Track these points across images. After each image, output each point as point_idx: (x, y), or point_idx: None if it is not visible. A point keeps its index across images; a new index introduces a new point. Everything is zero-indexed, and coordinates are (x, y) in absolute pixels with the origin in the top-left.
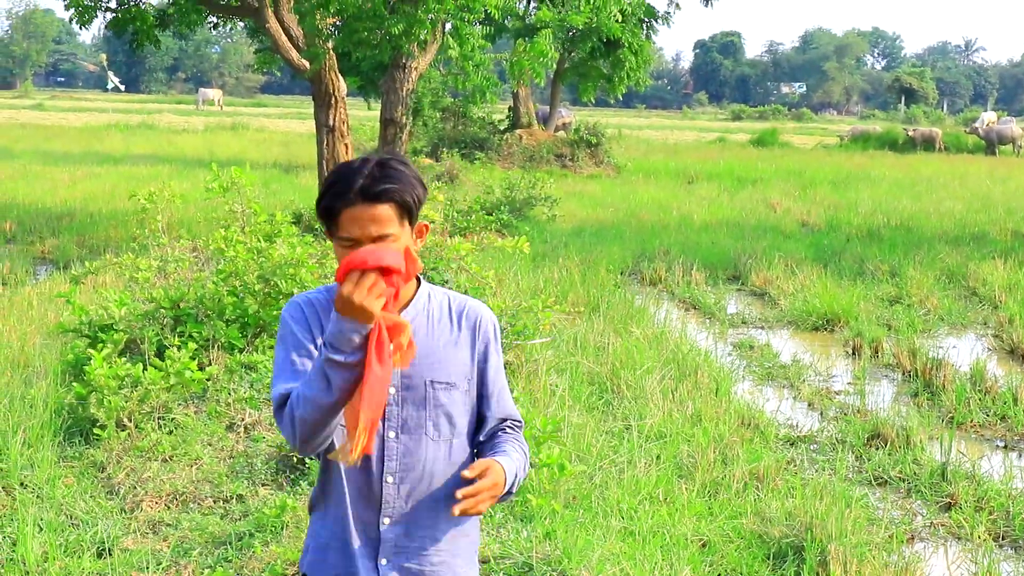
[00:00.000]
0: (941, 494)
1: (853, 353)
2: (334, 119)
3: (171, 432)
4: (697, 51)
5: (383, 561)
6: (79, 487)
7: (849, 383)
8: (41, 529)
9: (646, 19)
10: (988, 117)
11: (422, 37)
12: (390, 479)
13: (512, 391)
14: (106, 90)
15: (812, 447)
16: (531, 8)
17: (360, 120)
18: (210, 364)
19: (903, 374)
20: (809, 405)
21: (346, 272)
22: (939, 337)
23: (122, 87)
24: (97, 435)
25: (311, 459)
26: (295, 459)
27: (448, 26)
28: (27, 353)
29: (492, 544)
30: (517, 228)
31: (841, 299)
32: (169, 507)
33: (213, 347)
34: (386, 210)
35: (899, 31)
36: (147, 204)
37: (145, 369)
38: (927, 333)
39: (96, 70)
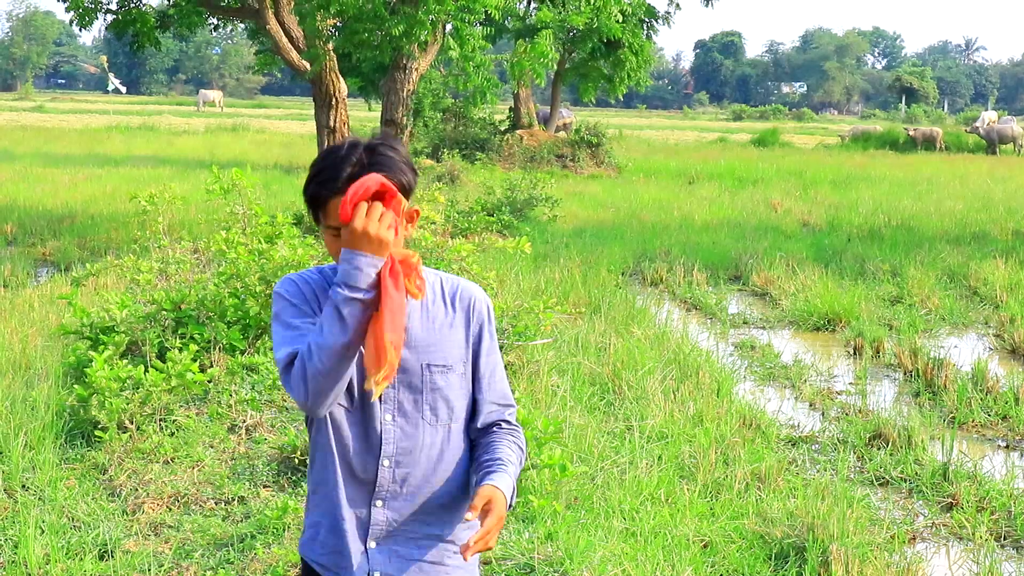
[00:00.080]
0: (943, 494)
1: (854, 353)
2: (335, 120)
3: (172, 434)
4: (698, 51)
5: (372, 544)
6: (81, 489)
7: (850, 383)
8: (43, 531)
9: (646, 19)
10: (989, 116)
11: (423, 38)
12: (386, 463)
13: (514, 392)
14: (107, 92)
15: (814, 447)
16: (531, 9)
17: (361, 121)
18: (211, 366)
19: (904, 374)
20: (810, 405)
21: (354, 207)
22: (940, 337)
23: (123, 89)
24: (98, 437)
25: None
26: (296, 461)
27: (448, 27)
28: (28, 355)
29: None
30: (518, 229)
31: (842, 299)
32: (171, 509)
33: (214, 349)
34: None
35: (900, 30)
36: (148, 206)
37: (146, 371)
38: (928, 333)
39: (97, 72)
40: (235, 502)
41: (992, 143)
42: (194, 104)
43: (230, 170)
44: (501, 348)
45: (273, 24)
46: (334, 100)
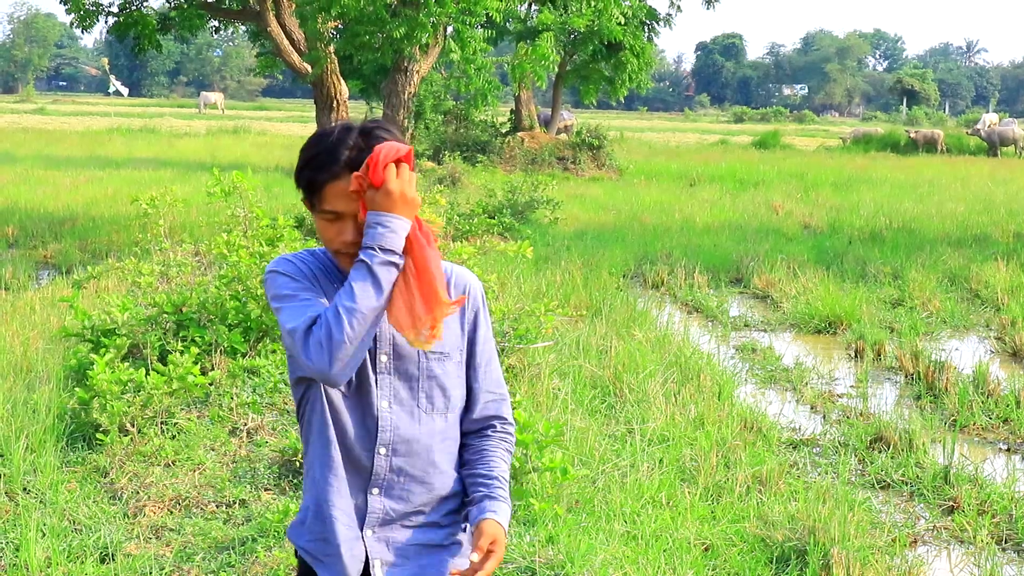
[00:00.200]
0: (944, 497)
1: (855, 356)
2: (336, 122)
3: (174, 437)
4: (699, 53)
5: (368, 532)
6: (82, 492)
7: (851, 386)
8: (44, 534)
9: (647, 21)
10: (990, 119)
11: (424, 40)
12: (382, 451)
13: (514, 395)
14: (108, 94)
15: (815, 450)
16: (533, 11)
17: None
18: (213, 369)
19: (905, 377)
20: (812, 408)
21: (385, 169)
22: (941, 340)
23: (124, 91)
24: (100, 440)
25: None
26: (297, 464)
27: (450, 29)
28: (30, 358)
29: None
30: (519, 231)
31: (843, 302)
32: (172, 512)
33: (216, 352)
34: None
35: (901, 33)
36: (149, 208)
37: (148, 374)
38: (929, 336)
39: (98, 74)
40: (236, 505)
41: (993, 145)
42: (195, 106)
43: (231, 172)
44: (502, 351)
45: (274, 26)
46: (335, 102)
